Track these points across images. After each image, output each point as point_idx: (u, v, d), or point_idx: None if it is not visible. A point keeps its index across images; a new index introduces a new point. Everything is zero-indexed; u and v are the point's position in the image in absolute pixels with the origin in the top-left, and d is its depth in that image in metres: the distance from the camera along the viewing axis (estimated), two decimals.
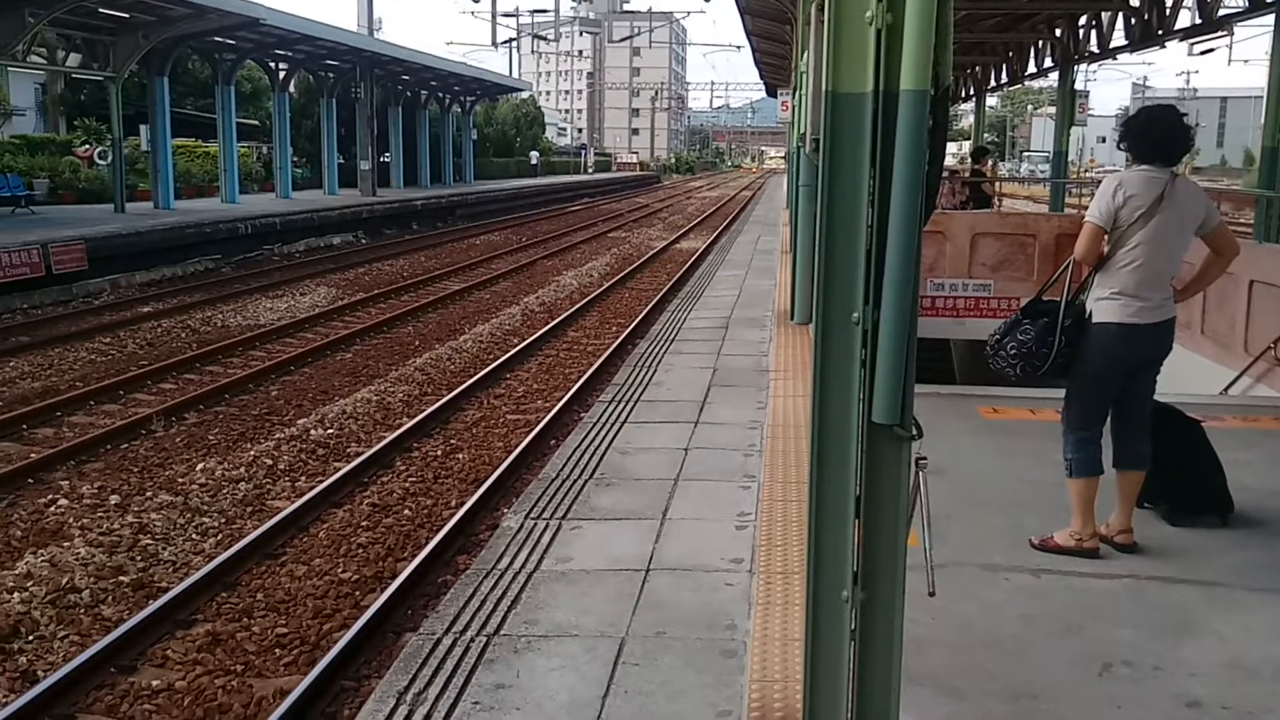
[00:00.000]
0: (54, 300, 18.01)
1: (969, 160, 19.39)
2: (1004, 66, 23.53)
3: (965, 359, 15.30)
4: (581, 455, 6.68)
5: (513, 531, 5.17)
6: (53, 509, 7.94)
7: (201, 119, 36.35)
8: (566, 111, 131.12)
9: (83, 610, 6.25)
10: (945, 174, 16.80)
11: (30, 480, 8.69)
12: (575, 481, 6.07)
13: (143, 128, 28.69)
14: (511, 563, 4.73)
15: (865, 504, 2.56)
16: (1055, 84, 20.14)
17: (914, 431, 2.52)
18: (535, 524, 5.28)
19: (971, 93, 28.08)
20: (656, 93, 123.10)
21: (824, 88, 2.41)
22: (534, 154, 70.16)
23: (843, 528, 2.57)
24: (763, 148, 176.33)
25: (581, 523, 5.33)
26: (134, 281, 20.26)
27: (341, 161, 38.45)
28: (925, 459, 2.56)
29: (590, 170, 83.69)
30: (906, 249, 2.38)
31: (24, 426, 10.33)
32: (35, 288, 17.72)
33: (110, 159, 27.13)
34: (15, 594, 6.24)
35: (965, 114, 58.42)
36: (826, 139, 2.43)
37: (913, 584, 2.58)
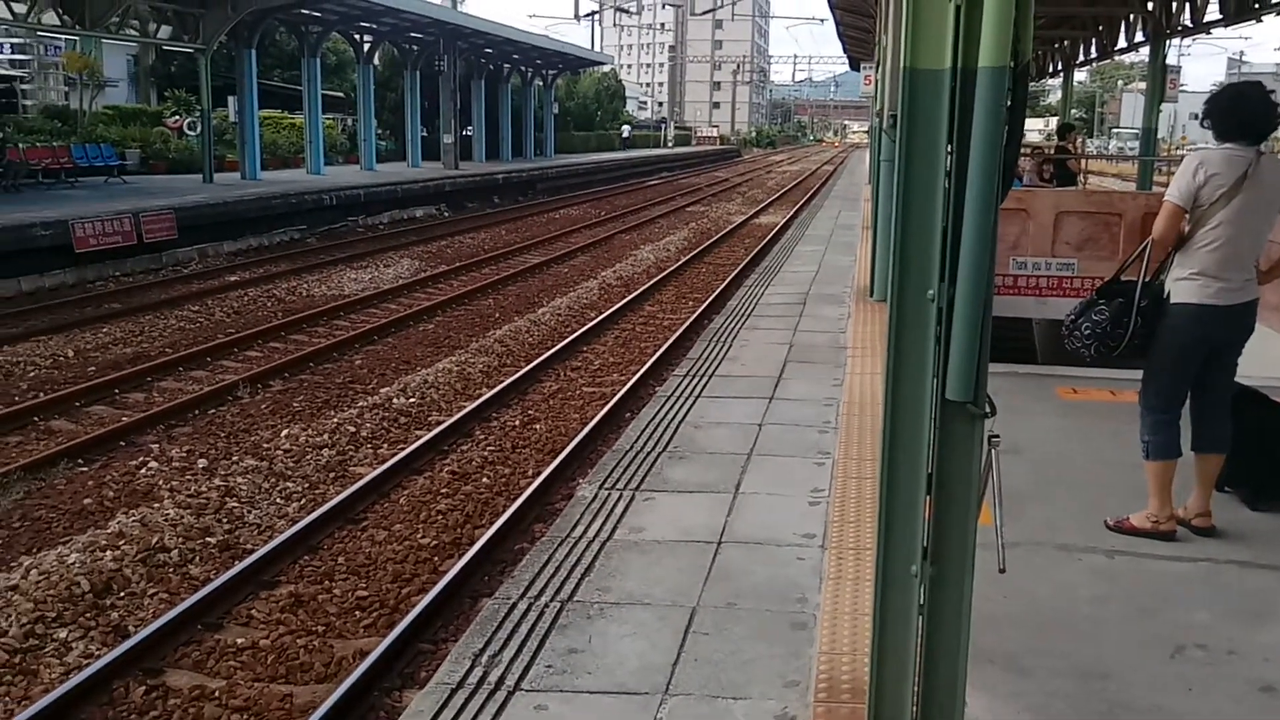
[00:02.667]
0: (145, 268, 18.56)
1: (1055, 136, 18.97)
2: (1093, 41, 22.92)
3: (1047, 339, 15.02)
4: (655, 428, 6.74)
5: (587, 501, 5.26)
6: (143, 471, 8.24)
7: (288, 91, 37.03)
8: (647, 85, 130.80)
9: (171, 569, 6.48)
10: (1028, 150, 16.47)
11: (122, 443, 9.02)
12: (649, 454, 6.13)
13: (231, 99, 29.32)
14: (586, 531, 4.81)
15: (937, 480, 2.58)
16: (1146, 59, 19.60)
17: (987, 409, 2.53)
18: (609, 494, 5.35)
19: (1059, 67, 27.41)
20: (738, 66, 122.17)
21: (902, 64, 2.42)
22: (625, 128, 70.80)
23: (913, 503, 2.59)
24: (845, 122, 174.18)
25: (654, 494, 5.39)
26: (221, 251, 20.77)
27: (425, 135, 38.89)
28: (998, 437, 2.57)
29: (670, 144, 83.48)
30: (983, 227, 2.38)
31: (116, 391, 10.70)
32: (128, 255, 18.28)
33: (199, 130, 27.78)
34: (108, 552, 6.49)
35: (1052, 89, 57.10)
36: (904, 116, 2.44)
37: (984, 561, 2.60)
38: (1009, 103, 2.38)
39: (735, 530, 4.86)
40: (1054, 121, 39.61)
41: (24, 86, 34.13)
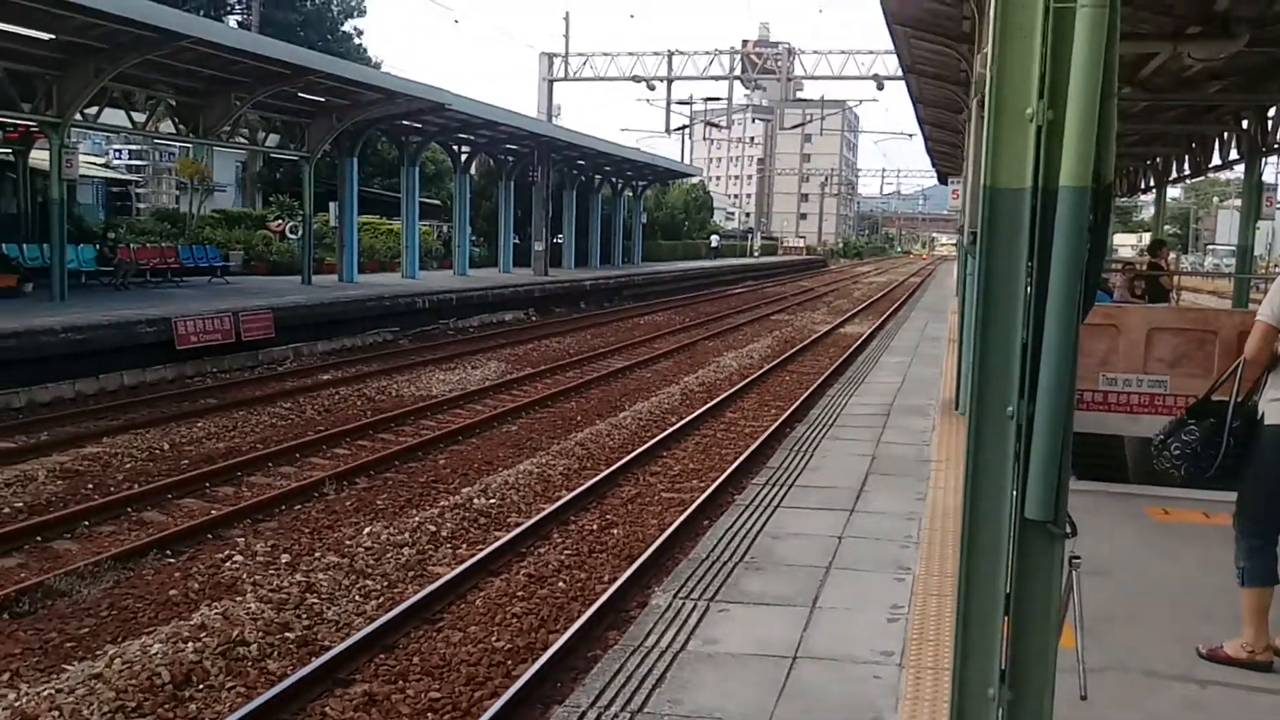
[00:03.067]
0: (242, 365, 19.12)
1: (1146, 253, 18.71)
2: (1186, 158, 22.75)
3: (1138, 457, 14.62)
4: (733, 537, 6.69)
5: (661, 610, 5.21)
6: (228, 564, 8.39)
7: (387, 198, 38.34)
8: (735, 196, 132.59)
9: (250, 663, 6.55)
10: (1119, 266, 16.26)
11: (209, 536, 9.21)
12: (725, 563, 6.08)
13: (332, 204, 30.41)
14: (659, 641, 4.77)
15: (1015, 602, 2.53)
16: (1242, 176, 19.33)
17: (1068, 529, 2.48)
18: (684, 604, 5.31)
19: (1151, 183, 27.19)
20: (826, 178, 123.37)
21: (983, 182, 2.44)
22: (714, 238, 72.07)
23: (991, 625, 2.53)
24: (934, 234, 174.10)
25: (729, 605, 5.33)
26: (315, 350, 21.33)
27: (517, 242, 39.83)
28: (1079, 558, 2.51)
29: (756, 254, 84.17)
30: (1064, 344, 2.37)
31: (207, 484, 10.96)
32: (226, 353, 18.87)
33: (300, 234, 28.82)
34: (190, 643, 6.58)
35: (1145, 205, 56.45)
36: (984, 233, 2.45)
37: (1065, 686, 2.52)
38: (1091, 222, 2.39)
39: (811, 645, 4.77)
40: (1146, 237, 39.11)
41: (139, 190, 35.88)
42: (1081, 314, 2.40)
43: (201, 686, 6.26)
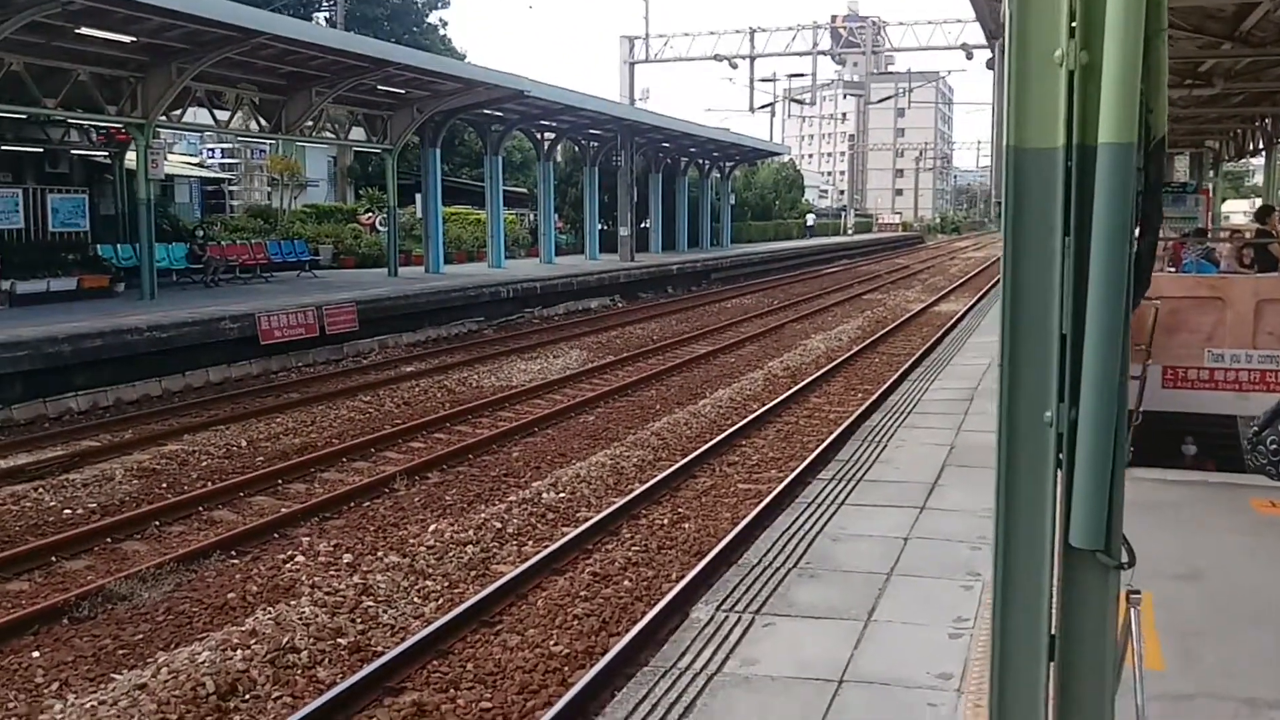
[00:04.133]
0: (325, 359, 19.22)
1: (1256, 219, 17.60)
2: None
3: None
4: (788, 540, 6.27)
5: (701, 624, 4.83)
6: (289, 565, 8.27)
7: (474, 188, 38.42)
8: (828, 173, 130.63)
9: (299, 671, 6.37)
10: (1226, 234, 15.32)
11: (275, 535, 9.13)
12: (776, 570, 5.66)
13: (418, 196, 30.50)
14: (693, 662, 4.38)
15: (1062, 645, 2.11)
16: None
17: (1123, 558, 2.05)
18: (726, 616, 4.91)
19: (1261, 146, 25.69)
20: (920, 152, 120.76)
21: (1005, 142, 2.02)
22: (810, 217, 71.13)
23: (1033, 673, 2.12)
24: None
25: (775, 619, 4.92)
26: (400, 342, 21.37)
27: (603, 227, 39.60)
28: (1139, 593, 2.09)
29: (850, 232, 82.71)
30: (1111, 334, 1.94)
31: (280, 481, 10.93)
32: (310, 347, 18.97)
33: (387, 226, 29.00)
34: (239, 651, 6.43)
35: (1256, 169, 53.93)
36: (1009, 203, 2.03)
37: None
38: (1141, 185, 1.96)
39: (860, 666, 4.33)
40: (1258, 203, 37.28)
41: (232, 188, 36.51)
42: (1133, 298, 1.97)
43: (247, 697, 6.10)
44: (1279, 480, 3.90)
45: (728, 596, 5.28)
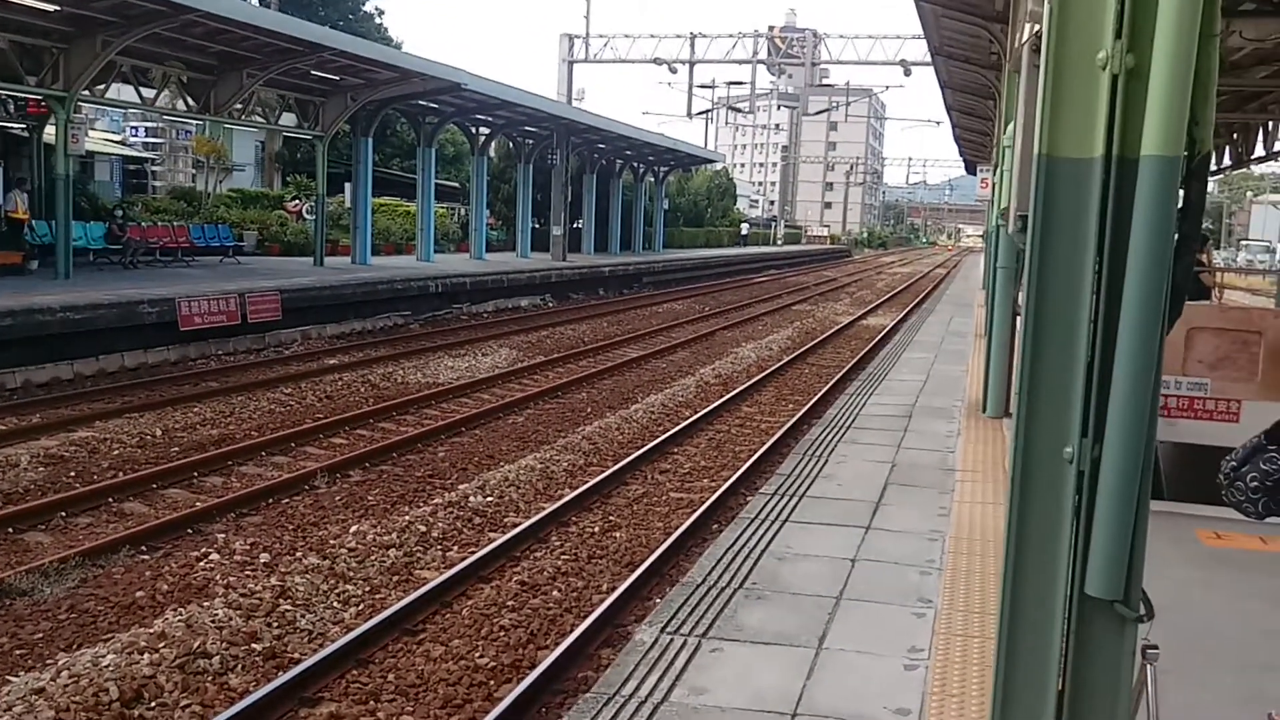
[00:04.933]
0: (247, 348, 18.64)
1: None
2: (1226, 150, 21.87)
3: (1175, 466, 13.91)
4: (733, 558, 6.06)
5: (645, 647, 4.60)
6: (203, 564, 7.87)
7: (406, 180, 37.83)
8: (759, 183, 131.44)
9: (210, 678, 6.02)
10: None
11: (189, 530, 8.72)
12: (722, 590, 5.45)
13: (348, 185, 29.89)
14: (637, 689, 4.15)
15: (1070, 701, 1.93)
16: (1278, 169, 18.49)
17: (1142, 610, 1.88)
18: (671, 640, 4.68)
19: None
20: (851, 167, 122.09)
21: (1036, 151, 1.84)
22: (744, 225, 72.37)
23: None
24: (960, 225, 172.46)
25: (723, 644, 4.70)
26: (324, 334, 20.84)
27: (536, 226, 39.25)
28: (1156, 647, 1.92)
29: (779, 242, 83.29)
30: (1142, 364, 1.77)
31: (195, 474, 10.48)
32: (231, 335, 18.39)
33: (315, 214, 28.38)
34: (145, 655, 6.06)
35: None
36: (1038, 216, 1.85)
37: None
38: (1182, 203, 1.79)
39: (815, 699, 4.13)
40: None
41: (155, 168, 35.49)
42: (1168, 323, 1.80)
43: (153, 704, 5.73)
44: (1255, 518, 3.76)
45: (672, 617, 5.04)
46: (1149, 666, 1.93)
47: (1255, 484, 3.68)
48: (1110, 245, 1.80)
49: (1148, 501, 1.83)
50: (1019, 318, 10.69)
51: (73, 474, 10.39)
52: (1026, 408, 1.90)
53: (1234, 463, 3.80)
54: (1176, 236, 1.81)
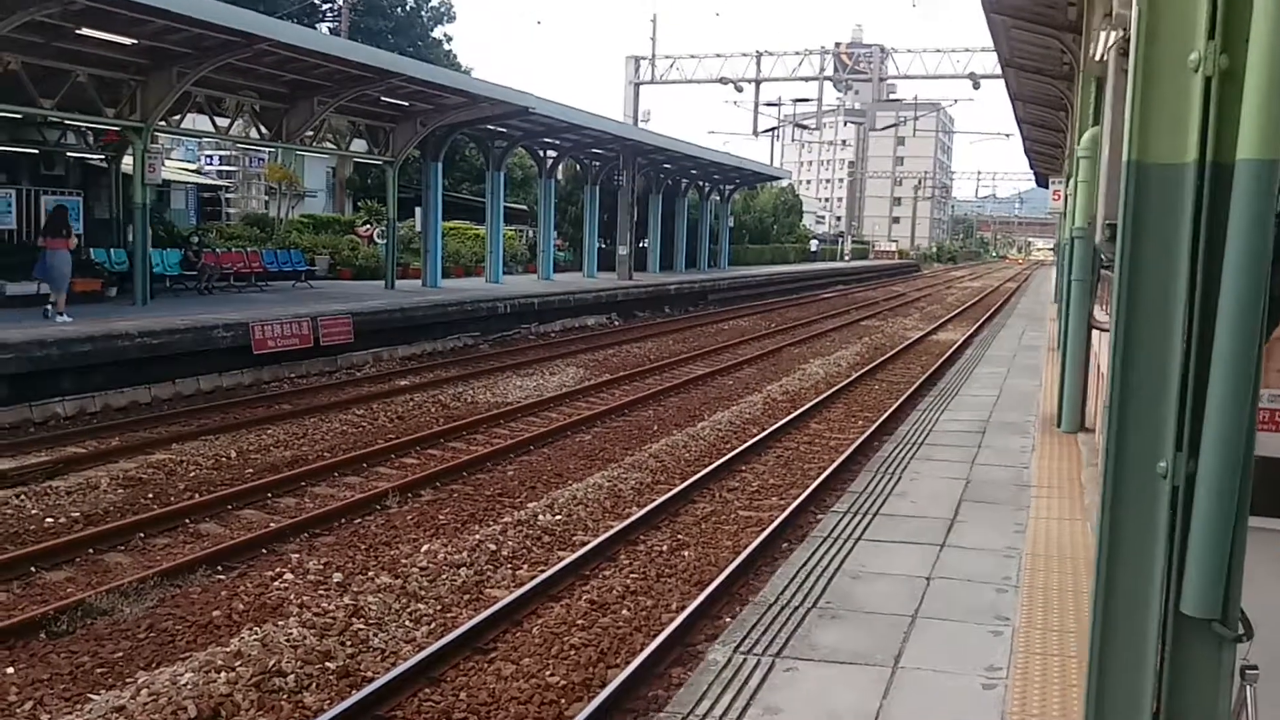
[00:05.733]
0: (319, 370, 18.92)
1: None
2: None
3: (1259, 481, 13.56)
4: (806, 577, 5.99)
5: (718, 667, 4.55)
6: (277, 583, 7.97)
7: (475, 203, 38.26)
8: (826, 200, 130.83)
9: (285, 696, 6.09)
10: None
11: (264, 550, 8.84)
12: (796, 609, 5.38)
13: (418, 210, 30.27)
14: (711, 708, 4.10)
15: None
16: None
17: (1241, 629, 1.81)
18: (744, 659, 4.62)
19: None
20: (919, 181, 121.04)
21: (1126, 157, 1.79)
22: (814, 242, 72.70)
23: None
24: (1030, 239, 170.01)
25: (797, 663, 4.63)
26: (395, 355, 21.08)
27: (602, 246, 39.42)
28: (1256, 668, 1.84)
29: (846, 258, 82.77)
30: (1241, 374, 1.71)
31: (269, 495, 10.63)
32: (304, 358, 18.67)
33: (387, 238, 28.76)
34: (222, 674, 6.15)
35: None
36: (1128, 224, 1.80)
37: None
38: (1278, 209, 1.73)
39: (891, 718, 4.06)
40: None
41: (229, 195, 36.25)
42: (1266, 332, 1.74)
43: None
44: None
45: (745, 636, 4.99)
46: (1249, 687, 1.86)
47: None
48: (1205, 253, 1.74)
49: (1246, 518, 1.76)
50: (1094, 331, 10.49)
51: (150, 495, 10.60)
52: (1118, 422, 1.84)
53: None
54: (1275, 243, 1.75)
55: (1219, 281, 1.72)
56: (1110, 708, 1.89)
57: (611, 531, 9.38)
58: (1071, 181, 12.05)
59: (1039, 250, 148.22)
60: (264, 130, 23.82)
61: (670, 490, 10.91)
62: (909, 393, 17.56)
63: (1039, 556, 5.99)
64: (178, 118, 22.20)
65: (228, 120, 23.29)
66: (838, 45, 47.26)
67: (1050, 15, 12.03)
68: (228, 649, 6.54)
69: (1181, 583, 1.80)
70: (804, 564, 6.30)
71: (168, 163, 31.63)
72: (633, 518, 9.85)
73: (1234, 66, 1.69)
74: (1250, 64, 1.66)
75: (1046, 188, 33.10)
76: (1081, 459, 8.60)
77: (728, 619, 7.01)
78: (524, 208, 43.78)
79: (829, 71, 44.96)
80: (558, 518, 9.96)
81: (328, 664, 6.53)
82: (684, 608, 7.52)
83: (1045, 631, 4.71)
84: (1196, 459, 1.76)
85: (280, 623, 7.06)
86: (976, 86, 40.75)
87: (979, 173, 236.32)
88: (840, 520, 7.42)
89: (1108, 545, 1.87)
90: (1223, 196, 1.71)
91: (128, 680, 6.23)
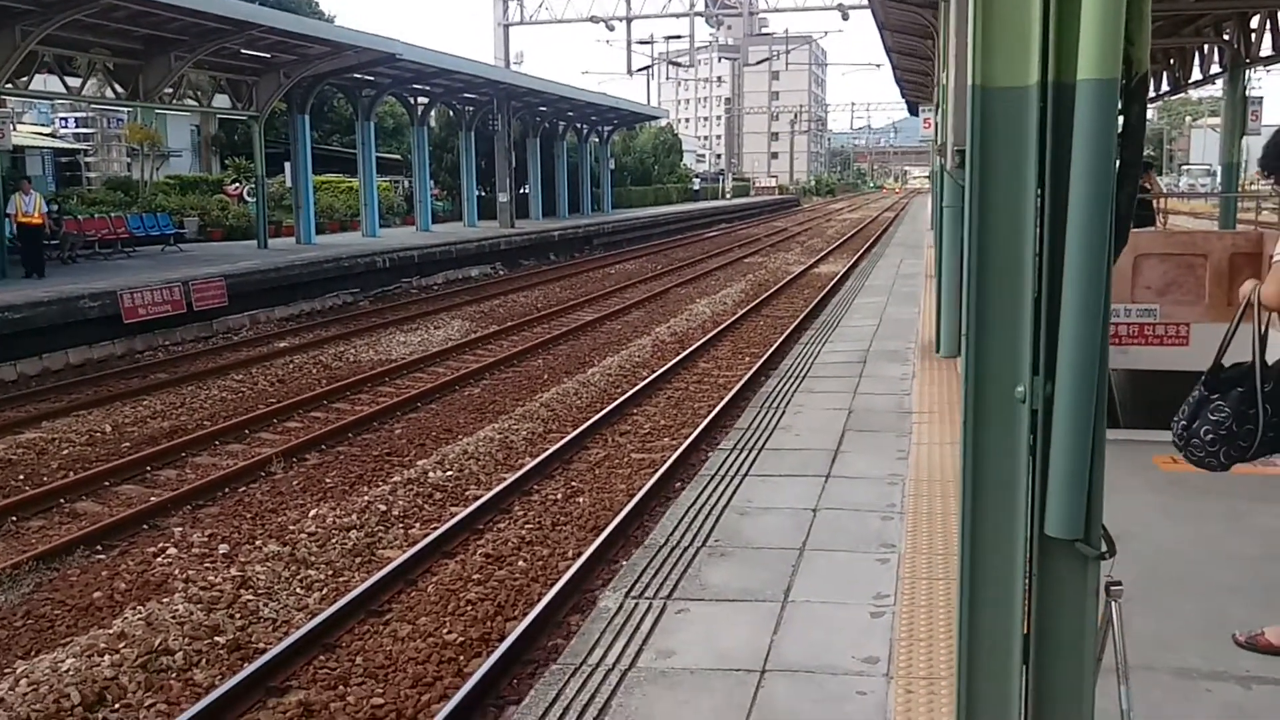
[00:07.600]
0: (194, 337, 18.33)
1: None
2: (1164, 75, 21.98)
3: (1128, 393, 14.08)
4: (695, 516, 6.02)
5: (610, 613, 4.54)
6: (160, 559, 7.73)
7: (347, 155, 37.21)
8: (705, 137, 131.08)
9: (174, 675, 5.92)
10: None
11: (145, 526, 8.55)
12: (685, 549, 5.40)
13: (288, 165, 29.37)
14: (605, 656, 4.09)
15: (1036, 643, 1.89)
16: (1218, 93, 18.59)
17: (1104, 547, 1.84)
18: (636, 604, 4.62)
19: (1219, 68, 26.23)
20: (795, 115, 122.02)
21: (970, 82, 1.77)
22: (696, 181, 72.46)
23: (1005, 678, 1.90)
24: (906, 167, 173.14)
25: (689, 604, 4.65)
26: (273, 317, 20.53)
27: (481, 194, 38.80)
28: (1120, 584, 1.88)
29: (728, 195, 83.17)
30: (1091, 296, 1.72)
31: (148, 468, 10.29)
32: (178, 324, 18.06)
33: (256, 196, 27.89)
34: (106, 656, 5.94)
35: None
36: (975, 149, 1.78)
37: None
38: (1122, 127, 1.73)
39: (782, 653, 4.10)
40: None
41: (88, 159, 34.63)
42: (1114, 252, 1.75)
43: (117, 706, 5.62)
44: (1220, 469, 3.68)
45: (636, 581, 4.98)
46: (1114, 603, 1.90)
47: (1210, 436, 3.64)
48: (1051, 175, 1.74)
49: (1104, 438, 1.79)
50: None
51: (21, 477, 10.16)
52: (975, 348, 1.85)
53: (1183, 421, 3.75)
54: (1118, 162, 1.76)
55: (1066, 203, 1.72)
56: (982, 630, 1.91)
57: (505, 484, 9.32)
58: (940, 109, 12.23)
59: (915, 179, 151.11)
60: (119, 89, 22.74)
61: (563, 438, 10.87)
62: (793, 327, 17.79)
63: (922, 482, 6.13)
64: (25, 79, 21.03)
65: (80, 80, 22.15)
66: None
67: None
68: (110, 630, 6.32)
69: (1045, 505, 1.82)
70: (692, 503, 6.33)
71: (19, 127, 30.09)
72: (526, 468, 9.80)
73: None
74: None
75: (919, 116, 33.63)
76: (960, 383, 8.76)
77: (623, 563, 7.03)
78: (398, 158, 42.77)
79: (700, 7, 44.78)
80: (449, 473, 9.85)
81: (217, 638, 6.36)
82: (580, 554, 7.53)
83: (930, 555, 4.82)
84: (1053, 382, 1.77)
85: (165, 600, 6.85)
86: (845, 18, 41.07)
87: (853, 104, 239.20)
88: (727, 457, 7.47)
89: (972, 472, 1.88)
90: (1066, 118, 1.71)
91: (5, 671, 5.98)
